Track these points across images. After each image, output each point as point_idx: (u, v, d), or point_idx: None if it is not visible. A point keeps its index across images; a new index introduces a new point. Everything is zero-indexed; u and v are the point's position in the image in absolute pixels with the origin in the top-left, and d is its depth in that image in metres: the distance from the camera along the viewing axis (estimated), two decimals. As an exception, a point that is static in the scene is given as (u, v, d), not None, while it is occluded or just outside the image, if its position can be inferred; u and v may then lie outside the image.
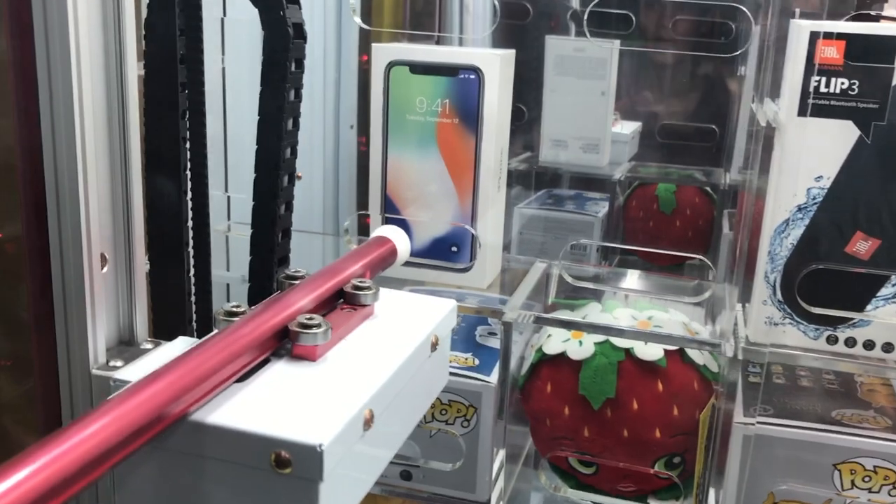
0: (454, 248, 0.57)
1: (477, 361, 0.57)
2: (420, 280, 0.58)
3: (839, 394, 0.53)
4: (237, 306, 0.36)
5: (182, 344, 0.37)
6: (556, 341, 0.55)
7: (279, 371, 0.34)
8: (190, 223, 0.40)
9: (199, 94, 0.41)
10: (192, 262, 0.41)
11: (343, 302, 0.40)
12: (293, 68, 0.40)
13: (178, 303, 0.40)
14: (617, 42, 1.01)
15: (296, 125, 0.42)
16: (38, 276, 0.38)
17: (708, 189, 1.03)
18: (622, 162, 1.08)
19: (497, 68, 0.54)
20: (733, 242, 0.58)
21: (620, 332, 0.52)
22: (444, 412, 0.55)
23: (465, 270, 0.57)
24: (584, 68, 1.03)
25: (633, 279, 0.61)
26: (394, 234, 0.46)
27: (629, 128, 1.10)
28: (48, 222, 0.38)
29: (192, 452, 0.30)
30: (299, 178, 0.87)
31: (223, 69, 0.68)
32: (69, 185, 0.38)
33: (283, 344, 0.36)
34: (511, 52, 0.56)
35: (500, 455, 0.54)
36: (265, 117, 0.41)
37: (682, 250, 0.95)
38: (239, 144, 0.69)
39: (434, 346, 0.41)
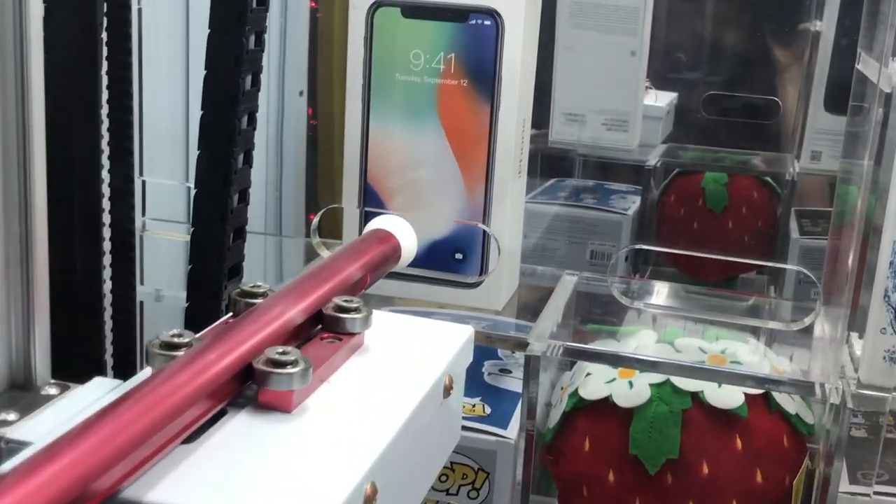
0: (459, 256, 0.55)
1: (488, 410, 0.55)
2: (410, 298, 0.56)
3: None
4: (179, 335, 0.34)
5: (99, 388, 0.34)
6: (596, 382, 0.53)
7: (241, 427, 0.32)
8: (107, 221, 0.37)
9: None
10: (109, 273, 0.38)
11: (322, 329, 0.38)
12: (254, 4, 0.38)
13: (89, 330, 0.37)
14: (650, -14, 1.00)
15: (255, 84, 0.40)
16: None
17: (769, 180, 1.01)
18: (655, 143, 1.07)
19: (522, 12, 0.52)
20: (831, 251, 0.56)
21: (686, 371, 0.50)
22: (444, 478, 0.53)
23: (474, 286, 0.55)
24: (609, 19, 1.01)
25: (691, 298, 0.60)
26: (395, 225, 0.44)
27: (664, 99, 1.09)
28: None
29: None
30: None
31: (139, 10, 0.65)
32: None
33: (246, 388, 0.33)
34: (534, -9, 0.55)
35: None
36: (214, 72, 0.39)
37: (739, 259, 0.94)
38: (158, 111, 0.67)
39: (447, 390, 0.39)
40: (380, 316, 0.41)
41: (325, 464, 0.30)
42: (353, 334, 0.37)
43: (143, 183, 0.66)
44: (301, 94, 1.02)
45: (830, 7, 0.95)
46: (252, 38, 0.39)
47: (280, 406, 0.33)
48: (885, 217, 0.47)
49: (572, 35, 1.04)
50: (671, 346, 0.53)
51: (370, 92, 0.55)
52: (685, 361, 0.51)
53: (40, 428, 0.31)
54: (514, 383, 0.60)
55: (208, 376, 0.31)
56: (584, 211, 1.03)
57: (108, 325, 0.39)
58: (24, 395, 0.32)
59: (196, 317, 0.41)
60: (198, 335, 0.34)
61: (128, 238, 0.39)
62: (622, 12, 1.01)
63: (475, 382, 0.59)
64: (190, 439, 0.30)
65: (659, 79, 1.08)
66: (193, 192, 0.40)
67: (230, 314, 0.38)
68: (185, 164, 0.81)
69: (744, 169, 1.03)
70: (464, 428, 0.52)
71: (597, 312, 0.59)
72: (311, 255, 0.83)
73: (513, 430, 0.54)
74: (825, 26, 0.95)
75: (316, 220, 0.55)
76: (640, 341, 0.54)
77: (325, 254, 0.56)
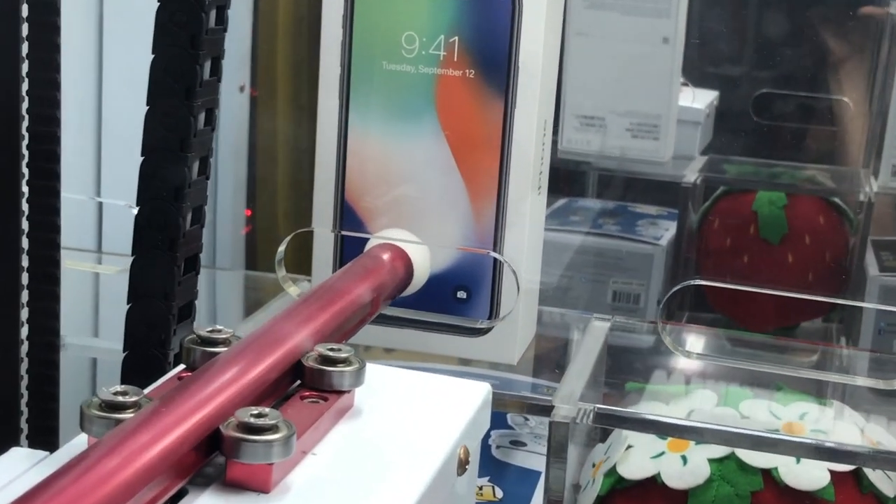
0: (462, 294, 0.55)
1: (499, 493, 0.56)
2: (396, 349, 0.57)
3: None
4: (123, 393, 0.34)
5: (20, 462, 0.34)
6: (640, 457, 0.53)
7: None
8: (25, 250, 0.38)
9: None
10: (25, 314, 0.39)
11: (301, 385, 0.38)
12: None
13: (2, 387, 0.37)
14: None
15: (216, 71, 0.41)
16: None
17: (839, 202, 1.03)
18: (693, 155, 1.08)
19: None
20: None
21: (757, 442, 0.51)
22: None
23: (480, 333, 0.56)
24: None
25: (755, 351, 0.61)
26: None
27: (703, 99, 1.11)
28: None
29: None
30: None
31: None
32: None
33: (210, 461, 0.33)
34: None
35: None
36: (163, 53, 0.39)
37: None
38: (79, 105, 0.67)
39: (462, 465, 0.39)
40: (373, 369, 0.41)
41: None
42: (341, 392, 0.38)
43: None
44: (242, 89, 1.02)
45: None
46: (212, 13, 0.40)
47: (255, 484, 0.33)
48: None
49: (588, 17, 1.05)
50: (735, 411, 0.53)
51: (349, 86, 0.55)
52: (754, 430, 0.51)
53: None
54: (530, 459, 0.60)
55: (166, 446, 0.31)
56: (605, 240, 1.04)
57: (24, 380, 0.39)
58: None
59: (136, 370, 0.41)
60: (145, 393, 0.34)
61: (50, 269, 0.39)
62: (652, -11, 1.03)
63: (480, 458, 0.59)
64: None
65: (696, 74, 1.10)
66: (134, 210, 0.40)
67: (181, 367, 0.39)
68: (95, 174, 0.81)
69: (807, 188, 1.05)
70: (470, 517, 0.52)
71: (637, 368, 0.59)
72: (253, 293, 0.83)
73: (532, 520, 0.54)
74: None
75: (282, 248, 0.55)
76: (695, 405, 0.54)
77: (293, 291, 0.56)
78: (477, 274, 0.55)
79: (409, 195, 0.55)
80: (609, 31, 1.07)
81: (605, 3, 1.06)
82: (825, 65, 1.07)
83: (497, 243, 0.55)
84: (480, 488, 0.55)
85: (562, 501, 0.52)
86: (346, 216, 0.56)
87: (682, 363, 0.59)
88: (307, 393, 0.37)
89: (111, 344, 0.60)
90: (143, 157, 0.41)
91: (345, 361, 0.38)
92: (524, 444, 0.62)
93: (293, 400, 0.37)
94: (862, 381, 0.55)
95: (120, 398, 0.33)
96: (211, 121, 0.42)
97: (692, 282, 0.59)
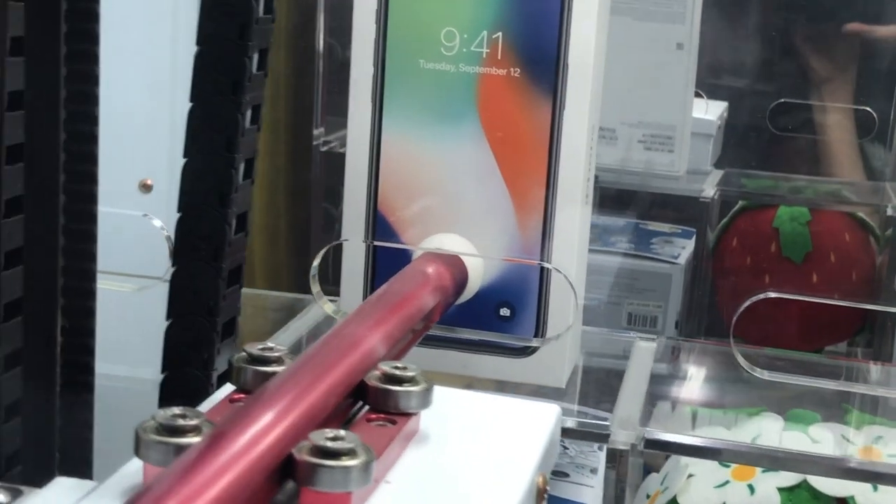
0: (505, 311, 0.55)
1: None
2: (434, 370, 0.55)
3: None
4: (183, 416, 0.32)
5: (67, 494, 0.32)
6: (703, 487, 0.53)
7: None
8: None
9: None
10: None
11: (367, 407, 0.37)
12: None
13: (41, 416, 0.36)
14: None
15: (262, 65, 0.42)
16: None
17: (865, 218, 1.02)
18: (705, 169, 1.07)
19: None
20: None
21: (830, 468, 0.50)
22: None
23: (526, 353, 0.55)
24: (648, 0, 1.02)
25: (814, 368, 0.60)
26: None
27: (715, 110, 1.10)
28: None
29: None
30: (149, 187, 0.83)
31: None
32: None
33: (282, 488, 0.32)
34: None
35: None
36: (210, 45, 0.38)
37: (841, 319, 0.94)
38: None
39: (541, 494, 0.38)
40: (437, 391, 0.40)
41: None
42: (408, 414, 0.37)
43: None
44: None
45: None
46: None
47: None
48: None
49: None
50: (805, 436, 0.53)
51: (383, 86, 0.54)
52: (827, 455, 0.50)
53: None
54: (575, 491, 0.59)
55: (238, 474, 0.30)
56: (619, 259, 1.03)
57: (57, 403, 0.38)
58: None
59: (178, 392, 0.41)
60: (203, 416, 0.33)
61: (86, 284, 0.38)
62: (665, -9, 1.02)
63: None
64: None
65: (707, 83, 1.09)
66: (177, 216, 0.40)
67: (230, 387, 0.38)
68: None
69: (831, 202, 1.04)
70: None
71: (695, 390, 0.58)
72: (262, 312, 0.81)
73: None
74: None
75: (316, 262, 0.55)
76: (760, 429, 0.53)
77: (330, 310, 0.55)
78: (522, 289, 0.55)
79: (449, 204, 0.55)
80: (620, 36, 1.05)
81: (616, 6, 1.05)
82: (848, 73, 1.07)
83: (544, 256, 0.54)
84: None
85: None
86: (380, 225, 0.56)
87: (737, 385, 0.58)
88: (374, 415, 0.36)
89: (119, 369, 0.59)
90: (185, 159, 0.40)
91: (411, 380, 0.37)
92: (566, 475, 0.61)
93: (359, 423, 0.36)
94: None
95: (180, 421, 0.32)
96: (257, 119, 0.42)
97: (766, 295, 0.58)
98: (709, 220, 1.03)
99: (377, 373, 0.37)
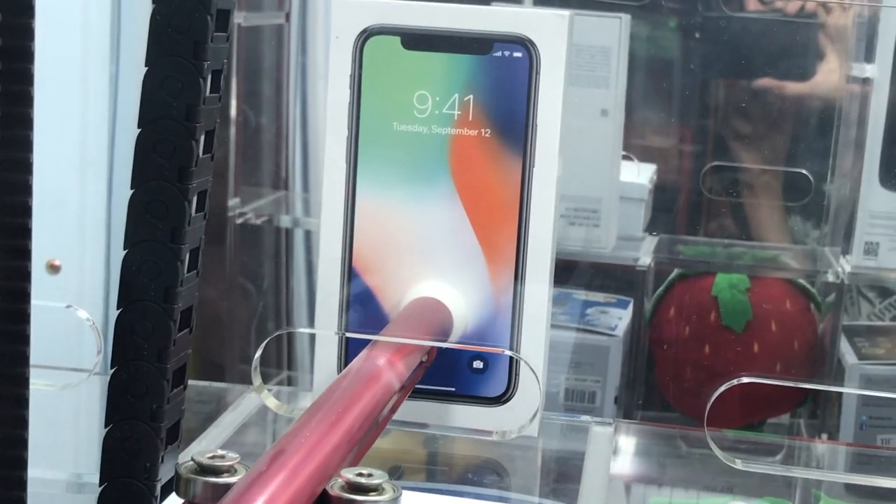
0: (478, 364, 0.57)
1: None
2: (410, 421, 0.58)
3: None
4: None
5: None
6: None
7: None
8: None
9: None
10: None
11: None
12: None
13: None
14: (627, 17, 0.99)
15: (217, 88, 0.40)
16: None
17: (806, 285, 1.01)
18: (638, 234, 1.05)
19: (563, 40, 0.55)
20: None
21: None
22: None
23: (500, 401, 0.57)
24: (569, 65, 1.00)
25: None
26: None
27: (645, 174, 1.07)
28: None
29: None
30: (56, 267, 0.77)
31: None
32: None
33: None
34: (571, 15, 0.58)
35: None
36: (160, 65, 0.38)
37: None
38: None
39: None
40: (408, 498, 0.39)
41: None
42: None
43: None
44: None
45: (884, 45, 0.95)
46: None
47: None
48: None
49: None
50: None
51: (357, 148, 0.57)
52: None
53: None
54: None
55: None
56: (554, 332, 0.99)
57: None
58: None
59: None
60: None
61: (18, 407, 0.34)
62: (587, 54, 0.99)
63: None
64: None
65: (637, 146, 1.07)
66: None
67: (181, 502, 0.38)
68: None
69: (771, 269, 1.04)
70: None
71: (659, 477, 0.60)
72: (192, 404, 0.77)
73: None
74: (878, 71, 0.94)
75: (258, 354, 0.55)
76: None
77: (279, 409, 0.54)
78: (493, 343, 0.57)
79: (424, 260, 0.58)
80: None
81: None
82: (781, 133, 1.05)
83: (516, 311, 0.57)
84: None
85: None
86: (354, 281, 0.58)
87: (698, 471, 0.61)
88: None
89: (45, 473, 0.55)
90: (125, 250, 0.39)
91: (377, 489, 0.37)
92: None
93: None
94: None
95: None
96: (203, 206, 0.41)
97: (739, 380, 0.59)
98: (645, 288, 1.02)
99: (340, 481, 0.37)
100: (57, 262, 0.74)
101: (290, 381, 1.08)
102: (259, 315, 1.04)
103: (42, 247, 0.72)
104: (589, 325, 1.03)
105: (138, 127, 0.40)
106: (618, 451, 0.64)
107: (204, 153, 0.41)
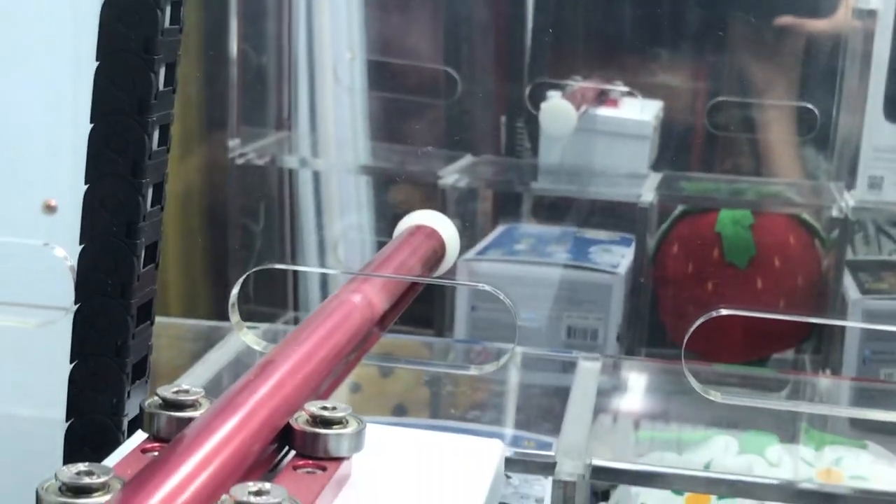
0: None
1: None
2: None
3: None
4: (88, 472, 0.31)
5: None
6: None
7: None
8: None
9: None
10: None
11: (294, 453, 0.36)
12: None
13: None
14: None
15: (171, 81, 0.41)
16: None
17: (810, 220, 1.02)
18: (643, 171, 1.07)
19: None
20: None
21: (791, 493, 0.49)
22: None
23: None
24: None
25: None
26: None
27: (650, 110, 1.09)
28: None
29: None
30: (52, 208, 0.81)
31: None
32: None
33: None
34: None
35: None
36: (111, 60, 0.37)
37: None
38: None
39: None
40: (372, 430, 0.39)
41: None
42: (339, 459, 0.36)
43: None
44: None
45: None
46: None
47: None
48: None
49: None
50: (761, 458, 0.52)
51: None
52: (786, 480, 0.50)
53: None
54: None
55: None
56: (557, 271, 1.02)
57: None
58: None
59: (85, 440, 0.40)
60: (112, 471, 0.32)
61: None
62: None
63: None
64: None
65: (642, 83, 1.08)
66: (79, 247, 0.39)
67: (143, 435, 0.37)
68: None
69: (775, 204, 1.04)
70: None
71: (641, 411, 0.58)
72: (178, 343, 0.79)
73: None
74: (882, 2, 0.96)
75: (235, 290, 0.53)
76: (714, 453, 0.53)
77: (250, 341, 0.54)
78: None
79: None
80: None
81: None
82: (786, 67, 1.06)
83: None
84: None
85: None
86: None
87: (688, 405, 0.58)
88: (301, 462, 0.36)
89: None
90: (87, 185, 0.39)
91: (341, 422, 0.36)
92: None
93: (286, 471, 0.35)
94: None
95: (85, 479, 0.31)
96: (166, 140, 0.40)
97: (718, 312, 0.58)
98: (648, 226, 1.03)
99: (304, 415, 0.36)
100: (53, 202, 0.76)
101: (296, 321, 1.09)
102: (258, 255, 1.06)
103: (40, 189, 0.75)
104: (591, 263, 1.04)
105: (96, 59, 0.40)
106: (612, 385, 0.63)
107: (165, 86, 0.41)
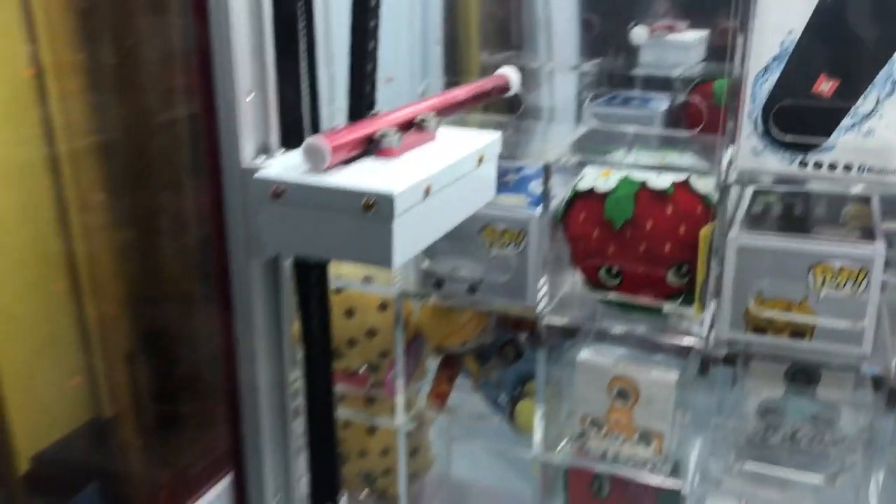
0: None
1: (527, 200, 1.23)
2: None
3: (824, 219, 1.16)
4: None
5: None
6: (588, 180, 1.16)
7: (368, 162, 0.99)
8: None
9: None
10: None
11: (414, 128, 1.05)
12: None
13: None
14: None
15: None
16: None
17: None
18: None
19: None
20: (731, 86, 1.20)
21: (638, 168, 1.15)
22: (502, 236, 1.21)
23: None
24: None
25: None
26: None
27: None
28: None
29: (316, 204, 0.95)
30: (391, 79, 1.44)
31: None
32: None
33: (371, 148, 1.00)
34: None
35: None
36: None
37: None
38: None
39: (480, 161, 1.05)
40: (446, 129, 1.06)
41: (406, 173, 0.95)
42: (427, 131, 1.00)
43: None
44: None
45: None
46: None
47: (387, 155, 0.96)
48: (747, 66, 1.13)
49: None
50: (633, 157, 1.18)
51: None
52: (638, 164, 1.14)
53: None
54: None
55: (355, 135, 1.00)
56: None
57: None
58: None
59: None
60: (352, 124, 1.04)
61: None
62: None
63: (522, 190, 1.26)
64: (346, 163, 0.99)
65: None
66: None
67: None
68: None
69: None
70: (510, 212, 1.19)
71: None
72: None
73: (539, 210, 1.18)
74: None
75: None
76: (615, 157, 1.19)
77: None
78: None
79: None
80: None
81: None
82: None
83: None
84: (518, 198, 1.23)
85: (549, 204, 1.20)
86: None
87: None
88: (415, 131, 1.03)
89: None
90: None
91: (428, 121, 1.00)
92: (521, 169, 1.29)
93: (410, 132, 0.98)
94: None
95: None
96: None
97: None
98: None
99: (419, 117, 1.05)
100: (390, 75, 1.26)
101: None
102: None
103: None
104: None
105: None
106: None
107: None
